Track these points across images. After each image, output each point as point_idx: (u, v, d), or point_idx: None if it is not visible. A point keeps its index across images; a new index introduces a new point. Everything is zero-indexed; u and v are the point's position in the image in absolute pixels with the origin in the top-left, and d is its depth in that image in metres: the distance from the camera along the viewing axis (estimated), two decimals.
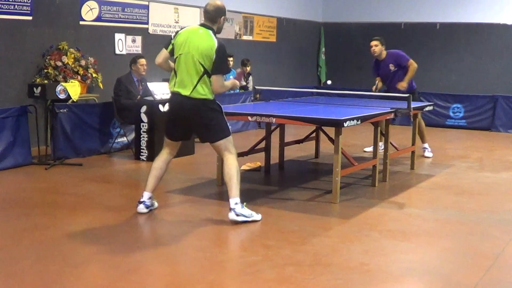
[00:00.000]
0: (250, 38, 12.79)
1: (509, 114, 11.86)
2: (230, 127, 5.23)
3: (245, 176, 7.09)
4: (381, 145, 8.25)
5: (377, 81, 8.54)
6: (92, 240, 4.70)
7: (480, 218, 5.51)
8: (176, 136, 5.30)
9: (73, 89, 7.57)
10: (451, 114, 12.18)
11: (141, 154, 7.89)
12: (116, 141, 8.42)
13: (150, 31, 10.19)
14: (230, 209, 5.09)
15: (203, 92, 5.00)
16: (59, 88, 7.31)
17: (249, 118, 6.17)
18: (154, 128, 7.76)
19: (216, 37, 5.10)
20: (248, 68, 11.82)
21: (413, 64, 8.24)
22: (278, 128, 7.53)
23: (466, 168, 7.90)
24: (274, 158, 7.53)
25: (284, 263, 4.19)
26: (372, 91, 8.41)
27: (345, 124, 5.67)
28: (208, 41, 5.01)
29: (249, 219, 5.10)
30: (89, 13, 9.12)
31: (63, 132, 7.65)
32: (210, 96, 5.05)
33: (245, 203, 5.19)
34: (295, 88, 11.36)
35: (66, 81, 7.94)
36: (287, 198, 6.12)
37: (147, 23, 10.13)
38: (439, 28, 13.64)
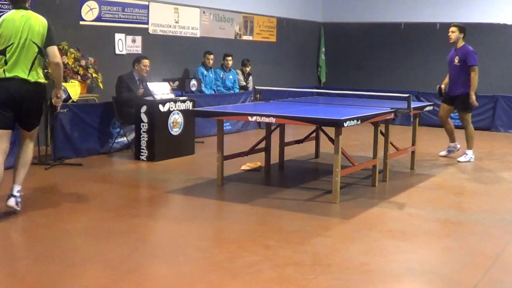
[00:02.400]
0: (250, 38, 12.79)
1: (509, 114, 11.86)
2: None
3: (245, 176, 7.10)
4: (455, 145, 8.48)
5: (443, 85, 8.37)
6: (92, 240, 4.70)
7: (480, 218, 5.51)
8: (8, 123, 5.15)
9: (73, 89, 7.58)
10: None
11: (141, 154, 7.89)
12: (116, 141, 8.41)
13: (150, 31, 10.19)
14: (12, 196, 5.11)
15: (37, 76, 5.13)
16: None
17: (249, 118, 6.17)
18: (154, 128, 7.76)
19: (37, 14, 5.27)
20: (248, 68, 11.83)
21: (475, 71, 7.97)
22: (278, 128, 7.53)
23: (466, 168, 7.90)
24: (274, 158, 7.53)
25: (284, 263, 4.19)
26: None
27: (345, 124, 5.67)
28: (36, 22, 5.16)
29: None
30: (89, 13, 9.12)
31: (63, 132, 7.65)
32: (42, 81, 5.20)
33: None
34: (295, 88, 11.37)
35: (66, 81, 7.94)
36: (287, 198, 6.12)
37: (147, 23, 10.12)
38: (439, 28, 13.62)
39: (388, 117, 6.63)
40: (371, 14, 14.51)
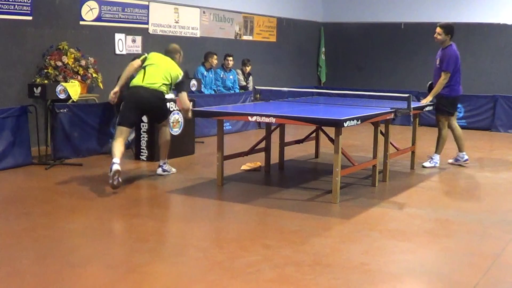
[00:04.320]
0: (250, 38, 12.79)
1: (509, 114, 11.86)
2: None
3: (245, 176, 7.10)
4: (463, 155, 7.99)
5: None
6: (92, 240, 4.70)
7: (480, 218, 5.51)
8: (133, 123, 6.81)
9: (73, 89, 7.57)
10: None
11: (141, 154, 7.89)
12: None
13: (150, 31, 10.19)
14: (159, 166, 7.03)
15: (165, 89, 6.74)
16: (59, 88, 7.31)
17: (249, 118, 6.17)
18: (154, 128, 7.74)
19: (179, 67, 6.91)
20: (248, 68, 11.83)
21: (444, 77, 7.53)
22: (278, 128, 7.53)
23: (466, 168, 7.89)
24: (274, 158, 7.53)
25: (284, 263, 4.19)
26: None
27: (345, 124, 5.67)
28: (176, 68, 6.80)
29: (170, 173, 7.03)
30: (89, 13, 9.13)
31: (63, 132, 7.65)
32: (167, 93, 6.83)
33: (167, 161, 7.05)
34: (295, 88, 11.36)
35: (66, 81, 7.94)
36: (287, 198, 6.12)
37: (147, 23, 10.13)
38: None
39: (388, 117, 6.63)
40: (371, 14, 14.51)
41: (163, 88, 6.67)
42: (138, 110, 6.65)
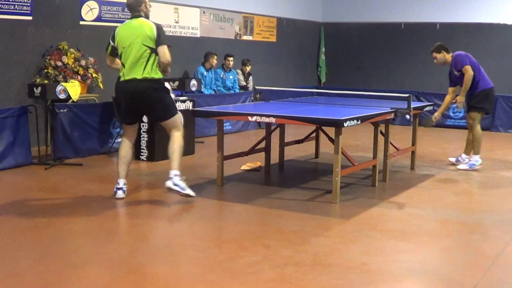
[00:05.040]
0: (250, 38, 12.80)
1: (509, 114, 11.86)
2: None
3: (245, 176, 7.10)
4: (465, 158, 7.92)
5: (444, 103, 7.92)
6: (92, 240, 4.70)
7: (480, 218, 5.51)
8: (131, 119, 5.92)
9: (73, 89, 7.58)
10: (451, 114, 12.17)
11: (141, 154, 7.89)
12: (116, 141, 8.41)
13: None
14: (170, 178, 5.73)
15: (151, 73, 5.68)
16: (59, 88, 7.31)
17: (249, 118, 6.17)
18: (154, 128, 7.76)
19: (150, 20, 5.85)
20: (248, 68, 11.83)
21: (467, 72, 7.48)
22: (278, 128, 7.53)
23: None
24: (274, 158, 7.53)
25: (284, 263, 4.19)
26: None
27: (345, 124, 5.67)
28: (148, 26, 5.69)
29: (183, 192, 5.72)
30: (89, 13, 9.13)
31: (63, 132, 7.65)
32: (157, 76, 5.73)
33: (184, 177, 5.80)
34: (295, 88, 11.36)
35: (66, 81, 7.94)
36: (287, 198, 6.12)
37: None
38: (439, 28, 13.65)
39: (388, 117, 6.63)
40: (371, 14, 14.52)
41: (152, 74, 5.66)
42: (129, 107, 5.80)
